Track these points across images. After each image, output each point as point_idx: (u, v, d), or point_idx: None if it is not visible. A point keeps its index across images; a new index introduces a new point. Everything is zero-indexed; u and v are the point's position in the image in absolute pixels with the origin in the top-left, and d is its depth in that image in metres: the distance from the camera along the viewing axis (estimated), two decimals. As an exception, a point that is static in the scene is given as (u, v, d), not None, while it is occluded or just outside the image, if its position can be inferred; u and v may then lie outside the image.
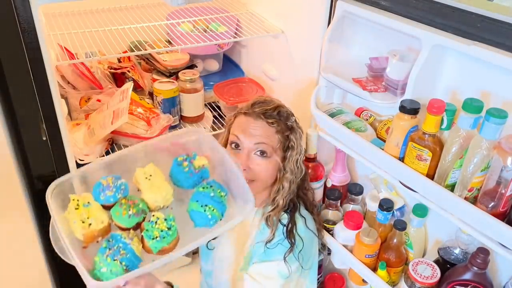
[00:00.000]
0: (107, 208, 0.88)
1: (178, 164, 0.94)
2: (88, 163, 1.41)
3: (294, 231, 1.09)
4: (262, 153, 1.05)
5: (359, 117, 1.27)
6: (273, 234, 1.08)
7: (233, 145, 1.08)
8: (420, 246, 1.18)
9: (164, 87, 1.52)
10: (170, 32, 1.56)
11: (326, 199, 1.31)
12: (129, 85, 1.42)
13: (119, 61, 1.74)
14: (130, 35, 1.44)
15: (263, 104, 1.08)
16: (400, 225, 1.12)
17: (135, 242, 0.83)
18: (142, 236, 0.85)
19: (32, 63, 1.12)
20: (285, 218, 1.11)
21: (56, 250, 0.81)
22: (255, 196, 0.97)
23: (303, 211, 1.15)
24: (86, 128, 1.44)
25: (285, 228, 1.09)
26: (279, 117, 1.07)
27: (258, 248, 1.10)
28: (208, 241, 1.19)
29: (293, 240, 1.07)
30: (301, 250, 1.08)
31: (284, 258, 1.05)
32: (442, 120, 0.95)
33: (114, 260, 0.79)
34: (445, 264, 1.08)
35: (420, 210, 1.12)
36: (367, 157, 1.13)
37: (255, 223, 1.14)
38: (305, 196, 1.18)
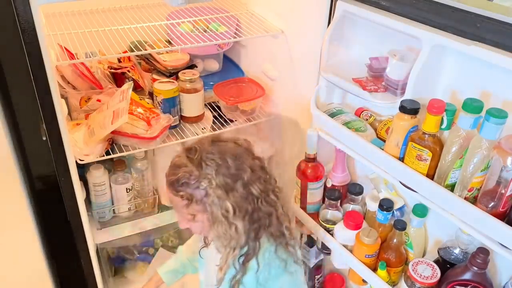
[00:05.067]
0: None
1: None
2: (89, 163, 1.42)
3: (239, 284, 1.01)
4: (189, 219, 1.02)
5: (359, 117, 1.27)
6: (222, 278, 1.01)
7: None
8: (420, 246, 1.18)
9: (164, 87, 1.52)
10: (170, 32, 1.56)
11: (326, 199, 1.30)
12: (129, 85, 1.42)
13: (119, 61, 1.74)
14: (130, 35, 1.44)
15: (173, 170, 0.98)
16: (400, 225, 1.12)
17: None
18: None
19: (32, 63, 1.12)
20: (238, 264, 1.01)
21: None
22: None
23: (263, 255, 1.01)
24: (86, 128, 1.44)
25: (233, 279, 1.01)
26: (187, 186, 0.95)
27: None
28: (200, 249, 1.19)
29: None
30: None
31: None
32: (442, 120, 0.95)
33: None
34: (445, 264, 1.08)
35: (420, 210, 1.12)
36: (367, 157, 1.13)
37: (213, 255, 1.08)
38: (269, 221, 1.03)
